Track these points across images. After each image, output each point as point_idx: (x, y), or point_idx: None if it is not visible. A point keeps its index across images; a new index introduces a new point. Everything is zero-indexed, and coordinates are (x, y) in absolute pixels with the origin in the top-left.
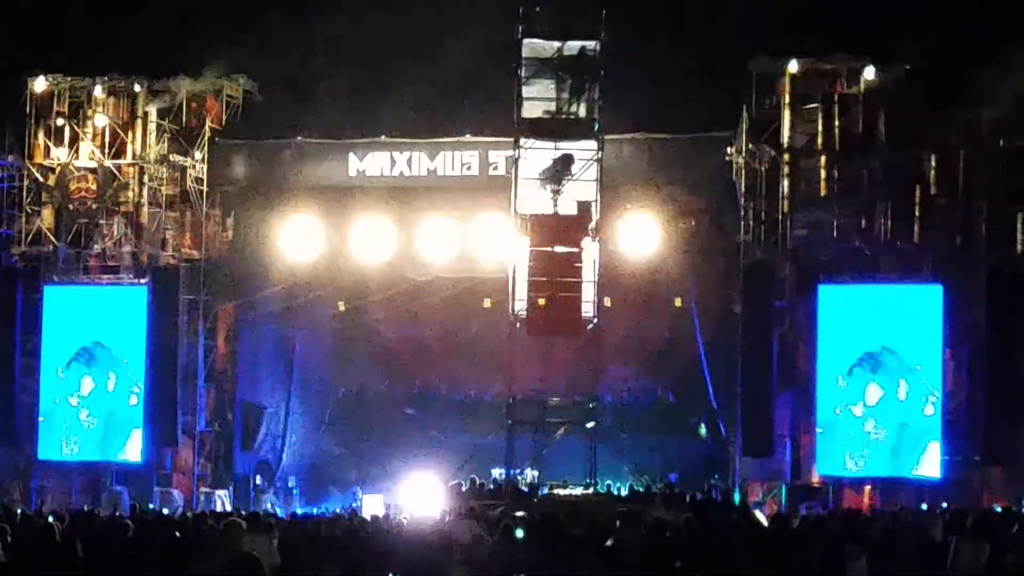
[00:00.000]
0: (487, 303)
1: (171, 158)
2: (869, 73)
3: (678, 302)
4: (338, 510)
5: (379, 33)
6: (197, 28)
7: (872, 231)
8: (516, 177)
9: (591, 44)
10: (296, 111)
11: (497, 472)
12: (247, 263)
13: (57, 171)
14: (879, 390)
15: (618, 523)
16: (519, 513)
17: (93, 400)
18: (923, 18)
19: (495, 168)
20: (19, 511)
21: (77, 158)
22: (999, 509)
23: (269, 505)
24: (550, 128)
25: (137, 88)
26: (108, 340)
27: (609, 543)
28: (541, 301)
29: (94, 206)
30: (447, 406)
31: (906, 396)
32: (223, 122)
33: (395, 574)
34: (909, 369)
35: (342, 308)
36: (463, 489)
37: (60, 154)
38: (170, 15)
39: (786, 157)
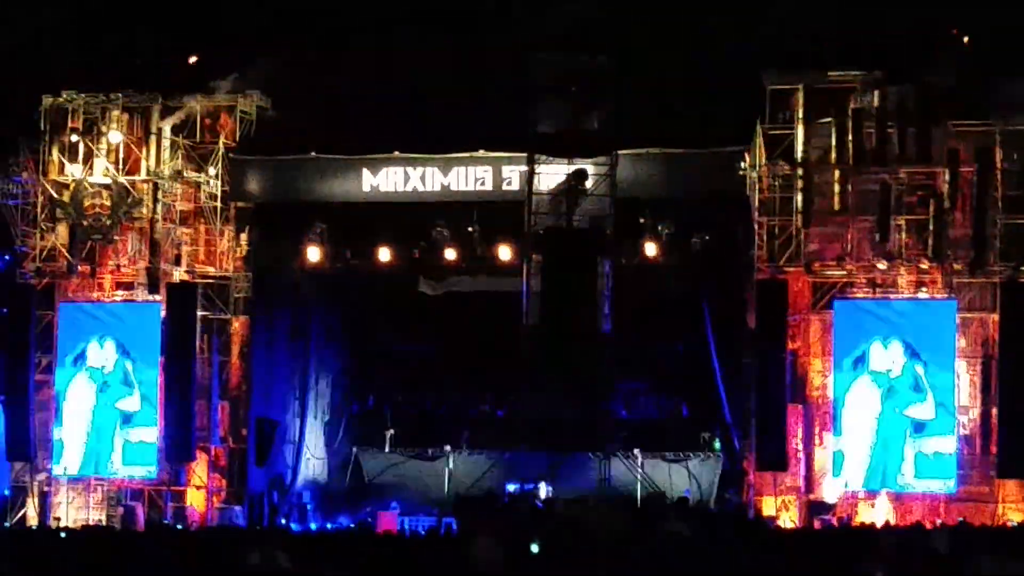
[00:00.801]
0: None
1: (185, 174)
2: (882, 88)
3: None
4: (352, 525)
5: (392, 49)
6: (211, 45)
7: (885, 245)
8: (530, 192)
9: (604, 59)
10: (310, 127)
11: (511, 487)
12: (261, 279)
13: (71, 187)
14: (894, 404)
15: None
16: (534, 527)
17: (108, 415)
18: (936, 32)
19: (509, 183)
20: (34, 526)
21: (91, 174)
22: (1015, 523)
23: (283, 520)
24: (564, 143)
25: (151, 105)
26: (121, 355)
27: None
28: (555, 316)
29: (108, 222)
30: (461, 421)
31: (921, 411)
32: (237, 138)
33: None
34: (922, 384)
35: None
36: (478, 504)
37: (74, 170)
38: (184, 32)
39: (800, 172)
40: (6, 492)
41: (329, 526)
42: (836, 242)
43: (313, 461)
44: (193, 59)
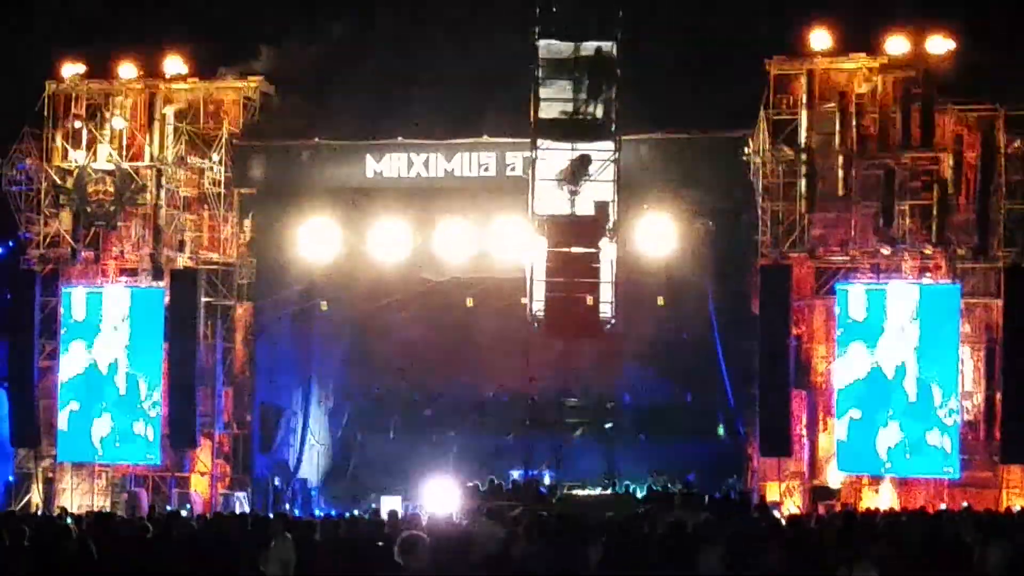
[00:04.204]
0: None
1: (189, 160)
2: (885, 72)
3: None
4: (356, 512)
5: (396, 35)
6: (214, 31)
7: (889, 231)
8: (533, 178)
9: (607, 44)
10: (313, 113)
11: (516, 473)
12: (265, 265)
13: (75, 173)
14: (898, 390)
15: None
16: (538, 514)
17: (112, 402)
18: (938, 16)
19: (512, 169)
20: (39, 512)
21: (95, 160)
22: (1017, 509)
23: (287, 507)
24: (567, 129)
25: (155, 91)
26: (126, 342)
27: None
28: (559, 302)
29: (112, 208)
30: (466, 407)
31: (925, 396)
32: (240, 124)
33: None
34: (927, 369)
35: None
36: (482, 490)
37: (78, 156)
38: (186, 17)
39: (803, 157)
40: (11, 478)
41: (333, 512)
42: (840, 227)
43: (317, 447)
44: (197, 45)
